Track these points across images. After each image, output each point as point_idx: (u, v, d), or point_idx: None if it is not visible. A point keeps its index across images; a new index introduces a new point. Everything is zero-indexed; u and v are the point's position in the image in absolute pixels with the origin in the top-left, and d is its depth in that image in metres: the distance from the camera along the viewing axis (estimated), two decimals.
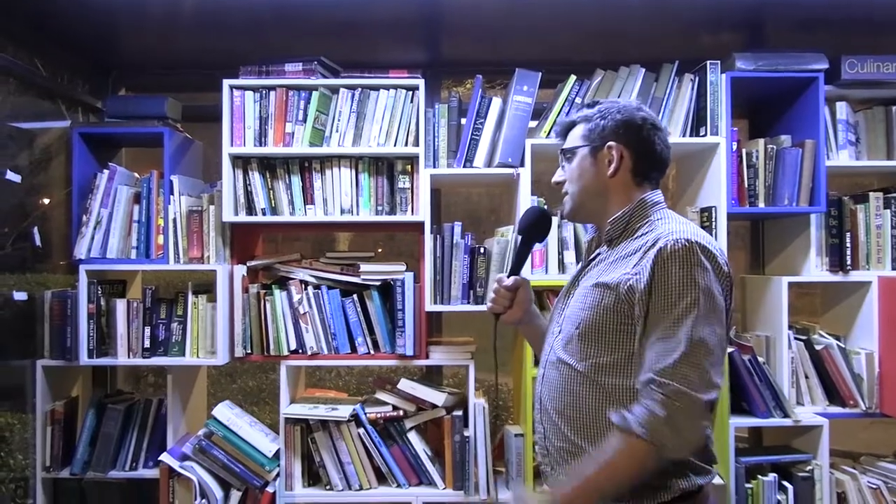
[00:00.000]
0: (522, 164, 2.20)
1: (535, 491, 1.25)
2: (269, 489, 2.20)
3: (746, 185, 2.23)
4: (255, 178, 2.22)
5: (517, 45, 2.42)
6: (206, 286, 2.29)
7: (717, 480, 1.69)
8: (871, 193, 2.29)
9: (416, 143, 2.21)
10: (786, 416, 2.20)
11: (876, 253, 2.29)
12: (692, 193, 2.39)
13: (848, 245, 2.27)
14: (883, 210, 2.28)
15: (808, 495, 2.17)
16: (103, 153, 2.42)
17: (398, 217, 2.23)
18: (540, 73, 2.20)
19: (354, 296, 2.26)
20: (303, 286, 2.26)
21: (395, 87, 2.22)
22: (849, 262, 2.27)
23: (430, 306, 2.20)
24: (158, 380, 3.20)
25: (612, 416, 1.21)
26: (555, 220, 2.13)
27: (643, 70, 2.23)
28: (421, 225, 2.21)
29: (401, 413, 2.24)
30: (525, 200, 2.17)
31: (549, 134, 2.22)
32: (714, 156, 2.22)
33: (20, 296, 2.21)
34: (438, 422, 2.25)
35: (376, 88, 2.22)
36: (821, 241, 2.29)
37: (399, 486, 2.23)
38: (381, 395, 2.27)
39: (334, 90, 2.24)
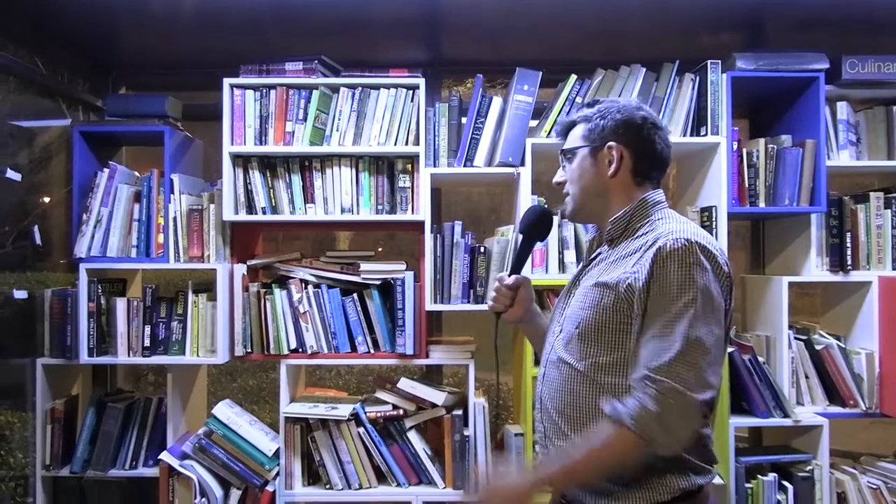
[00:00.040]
0: (523, 164, 2.20)
1: (519, 465, 1.26)
2: (269, 488, 2.20)
3: (747, 185, 2.23)
4: (256, 176, 2.22)
5: (518, 45, 2.42)
6: (206, 285, 2.29)
7: (716, 480, 1.69)
8: (871, 193, 2.29)
9: (417, 143, 2.21)
10: (786, 415, 2.20)
11: (876, 253, 2.28)
12: (693, 193, 2.39)
13: (848, 245, 2.27)
14: (883, 210, 2.28)
15: (807, 495, 2.17)
16: (104, 152, 2.42)
17: (398, 216, 2.23)
18: (540, 73, 2.20)
19: (354, 295, 2.26)
20: (303, 285, 2.26)
21: (396, 86, 2.22)
22: (849, 262, 2.27)
23: (430, 305, 2.20)
24: (158, 378, 3.20)
25: (605, 405, 1.21)
26: (555, 220, 2.13)
27: (644, 70, 2.23)
28: (421, 224, 2.21)
29: (401, 412, 2.24)
30: (525, 200, 2.17)
31: (549, 133, 2.22)
32: (714, 155, 2.21)
33: (20, 294, 2.21)
34: (438, 421, 2.25)
35: (377, 87, 2.22)
36: (821, 240, 2.28)
37: (399, 485, 2.23)
38: (380, 395, 2.27)
39: (335, 89, 2.24)
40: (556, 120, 2.22)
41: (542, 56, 2.42)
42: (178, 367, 2.29)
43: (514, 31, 2.28)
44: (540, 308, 1.59)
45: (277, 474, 2.22)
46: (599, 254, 1.38)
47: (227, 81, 2.19)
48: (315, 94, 2.20)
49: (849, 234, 2.27)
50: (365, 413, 2.23)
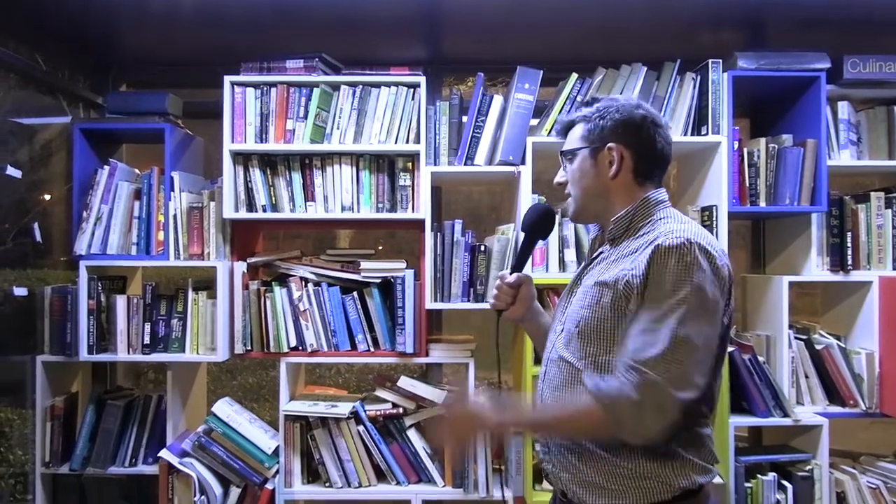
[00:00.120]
0: (523, 162, 2.20)
1: (498, 405, 1.29)
2: (269, 486, 2.20)
3: (747, 185, 2.23)
4: (256, 174, 2.22)
5: (519, 43, 2.42)
6: (206, 283, 2.29)
7: (716, 480, 1.69)
8: (872, 193, 2.29)
9: (417, 141, 2.21)
10: (786, 415, 2.20)
11: (877, 253, 2.28)
12: (693, 192, 2.38)
13: (849, 245, 2.27)
14: (884, 210, 2.28)
15: (807, 495, 2.17)
16: (104, 149, 2.42)
17: (399, 214, 2.23)
18: (541, 71, 2.19)
19: (355, 293, 2.26)
20: (303, 283, 2.26)
21: (397, 84, 2.21)
22: (850, 262, 2.26)
23: (430, 304, 2.20)
24: (158, 376, 3.20)
25: (587, 378, 1.23)
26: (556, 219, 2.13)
27: (645, 68, 2.23)
28: (421, 222, 2.21)
29: (400, 411, 2.24)
30: (526, 198, 2.17)
31: (550, 132, 2.22)
32: (715, 155, 2.21)
33: (20, 291, 2.21)
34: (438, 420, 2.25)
35: (377, 86, 2.22)
36: (822, 240, 2.28)
37: (398, 483, 2.23)
38: (380, 393, 2.27)
39: (335, 87, 2.23)
40: (556, 119, 2.21)
41: (543, 54, 2.42)
42: (177, 364, 2.29)
43: (515, 29, 2.27)
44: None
45: (277, 472, 2.22)
46: (601, 253, 1.38)
47: (227, 79, 2.19)
48: (316, 91, 2.20)
49: (849, 234, 2.27)
50: (365, 411, 2.23)
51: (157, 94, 2.32)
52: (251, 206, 2.23)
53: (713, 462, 1.28)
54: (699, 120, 2.24)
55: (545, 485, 2.15)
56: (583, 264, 1.44)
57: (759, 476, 2.18)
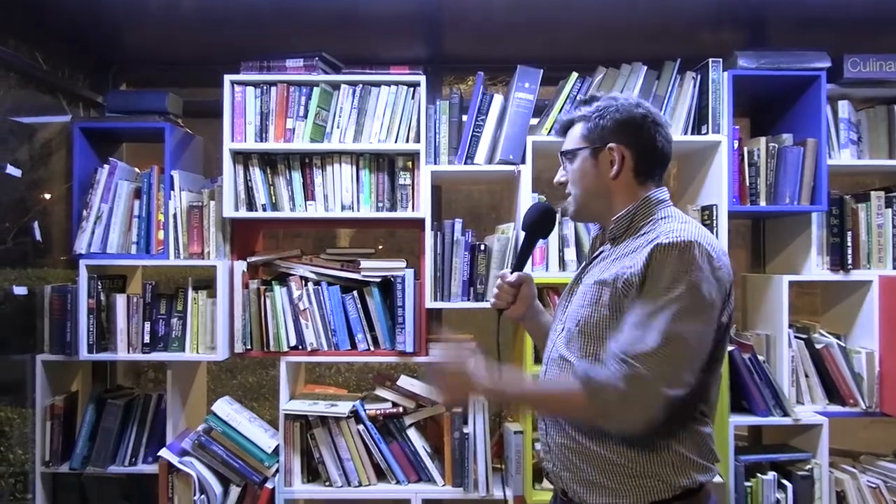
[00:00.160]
0: (523, 162, 2.20)
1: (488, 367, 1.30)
2: (269, 485, 2.20)
3: (748, 184, 2.23)
4: (256, 173, 2.22)
5: (519, 42, 2.42)
6: (206, 282, 2.29)
7: (716, 479, 1.69)
8: (872, 192, 2.29)
9: (417, 140, 2.21)
10: (785, 414, 2.20)
11: (877, 252, 2.28)
12: (693, 191, 2.38)
13: (849, 244, 2.26)
14: (884, 209, 2.28)
15: (807, 494, 2.17)
16: (104, 148, 2.42)
17: (399, 214, 2.23)
18: (541, 70, 2.19)
19: (355, 292, 2.26)
20: (303, 282, 2.26)
21: (397, 83, 2.21)
22: (850, 261, 2.26)
23: (430, 303, 2.20)
24: (158, 375, 3.20)
25: (577, 363, 1.24)
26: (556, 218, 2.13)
27: (645, 67, 2.23)
28: (421, 222, 2.21)
29: (400, 410, 2.24)
30: (526, 198, 2.17)
31: (550, 131, 2.21)
32: (715, 154, 2.21)
33: (20, 290, 2.21)
34: (438, 419, 2.25)
35: (378, 85, 2.22)
36: (822, 239, 2.28)
37: (398, 482, 2.23)
38: (380, 392, 2.28)
39: (335, 86, 2.23)
40: (556, 118, 2.21)
41: (544, 54, 2.42)
42: (177, 363, 2.29)
43: (516, 28, 2.27)
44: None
45: (277, 471, 2.22)
46: (602, 252, 1.37)
47: (227, 78, 2.19)
48: (316, 90, 2.19)
49: (849, 233, 2.27)
50: (364, 410, 2.23)
51: (157, 93, 2.32)
52: (251, 205, 2.23)
53: (714, 461, 1.28)
54: (699, 119, 2.24)
55: (545, 484, 2.15)
56: (583, 263, 1.44)
57: (758, 475, 2.18)
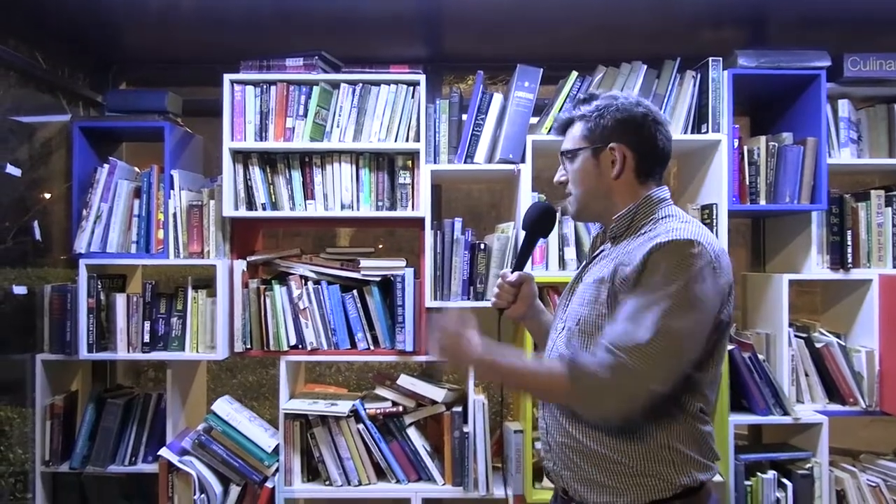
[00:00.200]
0: (523, 161, 2.19)
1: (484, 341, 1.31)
2: (269, 484, 2.20)
3: (748, 183, 2.23)
4: (256, 172, 2.22)
5: (519, 41, 2.42)
6: (205, 281, 2.29)
7: (716, 478, 1.69)
8: (872, 191, 2.29)
9: (417, 139, 2.21)
10: (785, 413, 2.20)
11: (877, 251, 2.28)
12: (693, 190, 2.38)
13: (849, 243, 2.26)
14: (884, 208, 2.28)
15: (807, 493, 2.17)
16: (104, 147, 2.42)
17: (399, 213, 2.23)
18: (541, 69, 2.19)
19: (354, 291, 2.26)
20: (303, 281, 2.25)
21: (397, 82, 2.21)
22: (850, 260, 2.26)
23: (430, 302, 2.20)
24: (158, 374, 3.20)
25: (565, 347, 1.25)
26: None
27: (645, 66, 2.23)
28: (421, 221, 2.21)
29: (400, 409, 2.24)
30: (526, 197, 2.17)
31: (550, 130, 2.21)
32: (715, 153, 2.21)
33: (20, 290, 2.21)
34: (438, 418, 2.25)
35: (377, 84, 2.22)
36: (822, 238, 2.28)
37: (398, 481, 2.23)
38: (380, 391, 2.27)
39: (335, 85, 2.23)
40: (556, 116, 2.21)
41: (544, 52, 2.41)
42: (177, 363, 2.29)
43: (516, 27, 2.27)
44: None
45: (277, 470, 2.22)
46: (602, 251, 1.37)
47: (227, 77, 2.19)
48: (315, 90, 2.19)
49: (849, 232, 2.27)
50: (364, 410, 2.23)
51: (156, 92, 2.32)
52: (251, 204, 2.23)
53: (714, 459, 1.28)
54: (699, 118, 2.24)
55: (545, 483, 2.15)
56: (584, 262, 1.44)
57: (758, 474, 2.18)
